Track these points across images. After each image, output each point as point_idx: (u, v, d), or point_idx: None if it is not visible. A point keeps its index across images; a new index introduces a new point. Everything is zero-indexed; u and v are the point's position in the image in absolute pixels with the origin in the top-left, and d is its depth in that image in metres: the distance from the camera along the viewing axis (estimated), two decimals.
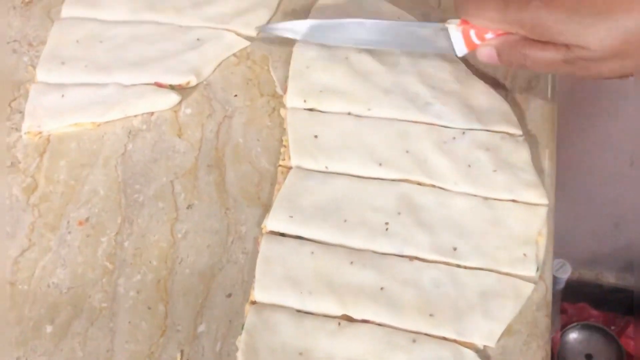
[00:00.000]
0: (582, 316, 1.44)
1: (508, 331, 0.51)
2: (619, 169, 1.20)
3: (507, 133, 0.58)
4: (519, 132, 0.58)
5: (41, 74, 0.63)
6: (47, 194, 0.58)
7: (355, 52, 0.63)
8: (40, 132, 0.61)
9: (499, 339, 0.51)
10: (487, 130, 0.58)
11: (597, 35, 0.47)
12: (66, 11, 0.66)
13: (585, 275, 1.48)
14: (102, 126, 0.61)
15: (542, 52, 0.51)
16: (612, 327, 1.36)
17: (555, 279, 1.44)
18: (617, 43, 0.47)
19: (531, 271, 0.53)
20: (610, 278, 1.47)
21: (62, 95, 0.61)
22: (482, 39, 0.54)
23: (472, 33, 0.54)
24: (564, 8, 0.48)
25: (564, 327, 1.43)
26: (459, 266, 0.53)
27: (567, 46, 0.49)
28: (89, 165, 0.59)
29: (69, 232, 0.56)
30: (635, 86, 0.98)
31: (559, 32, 0.49)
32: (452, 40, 0.55)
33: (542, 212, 0.55)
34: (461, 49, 0.56)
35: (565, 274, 1.37)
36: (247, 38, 0.65)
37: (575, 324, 1.39)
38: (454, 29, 0.55)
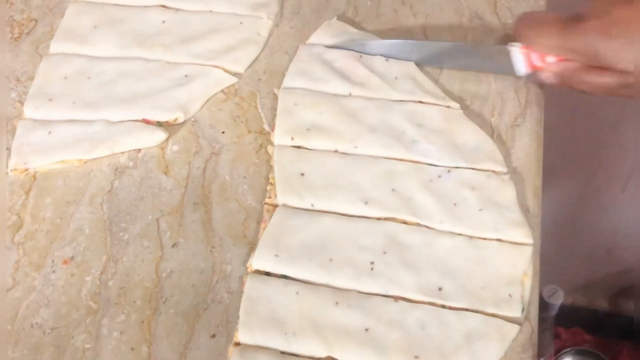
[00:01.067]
0: (576, 341, 1.44)
1: None
2: (611, 197, 1.21)
3: (493, 171, 0.58)
4: (504, 169, 0.59)
5: (29, 111, 0.63)
6: (32, 232, 0.58)
7: (342, 91, 0.63)
8: (26, 169, 0.61)
9: None
10: (473, 169, 0.59)
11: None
12: (55, 47, 0.67)
13: (579, 300, 1.49)
14: (89, 163, 0.61)
15: (600, 78, 0.55)
16: (606, 352, 1.37)
17: (548, 305, 1.44)
18: None
19: (517, 312, 0.53)
20: (603, 303, 1.48)
21: (49, 132, 0.62)
22: (543, 60, 0.58)
23: (534, 56, 0.59)
24: (619, 37, 0.52)
25: (558, 352, 1.43)
26: (444, 306, 0.53)
27: (623, 72, 0.52)
28: (75, 203, 0.59)
29: (54, 271, 0.56)
30: (622, 116, 0.98)
31: (615, 60, 0.52)
32: (514, 60, 0.60)
33: (527, 251, 0.55)
34: (522, 69, 0.60)
35: (558, 300, 1.38)
36: (235, 75, 0.66)
37: (569, 349, 1.39)
38: (517, 51, 0.59)
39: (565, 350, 1.41)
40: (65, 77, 0.65)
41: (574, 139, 1.10)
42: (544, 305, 1.44)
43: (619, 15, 0.52)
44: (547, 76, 0.59)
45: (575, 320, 1.43)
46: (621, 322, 1.41)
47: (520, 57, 0.59)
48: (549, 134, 0.64)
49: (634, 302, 1.39)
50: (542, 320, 1.42)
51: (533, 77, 0.61)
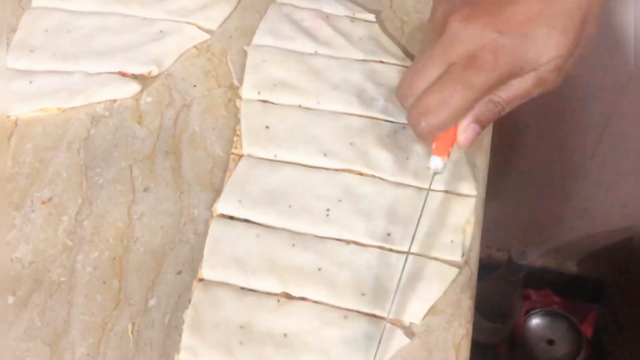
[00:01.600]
0: (545, 302, 1.49)
1: (433, 310, 0.56)
2: (581, 162, 1.24)
3: None
4: None
5: (11, 61, 0.67)
6: (13, 174, 0.62)
7: (309, 49, 0.67)
8: (8, 116, 0.64)
9: (424, 318, 0.55)
10: None
11: (551, 42, 0.50)
12: (37, 1, 0.70)
13: (549, 263, 1.52)
14: (67, 112, 0.65)
15: (513, 90, 0.51)
16: (574, 314, 1.41)
17: (517, 266, 1.49)
18: (566, 37, 0.49)
19: (457, 256, 0.57)
20: (572, 267, 1.52)
21: (30, 82, 0.65)
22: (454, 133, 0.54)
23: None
24: (511, 45, 0.49)
25: (527, 312, 1.48)
26: (391, 250, 0.57)
27: (534, 70, 0.50)
28: (54, 149, 0.63)
29: (33, 211, 0.60)
30: (588, 87, 1.02)
31: (521, 67, 0.50)
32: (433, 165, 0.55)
33: (471, 202, 0.60)
34: (438, 163, 0.55)
35: (525, 261, 1.42)
36: (208, 31, 0.69)
37: (538, 309, 1.44)
38: (438, 160, 0.55)
39: (534, 311, 1.46)
40: (46, 30, 0.68)
41: (544, 114, 1.13)
42: (513, 267, 1.49)
43: (502, 27, 0.49)
44: (468, 134, 0.53)
45: (545, 283, 1.47)
46: (589, 285, 1.45)
47: (437, 159, 0.55)
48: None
49: (602, 266, 1.44)
50: (511, 281, 1.47)
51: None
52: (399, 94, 0.55)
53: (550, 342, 1.39)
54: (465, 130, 0.53)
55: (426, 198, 0.57)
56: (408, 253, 0.56)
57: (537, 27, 0.49)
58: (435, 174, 0.56)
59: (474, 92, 0.50)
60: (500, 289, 1.47)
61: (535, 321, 1.47)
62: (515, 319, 1.47)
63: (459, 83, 0.50)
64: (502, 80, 0.51)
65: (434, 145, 0.55)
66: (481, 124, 0.53)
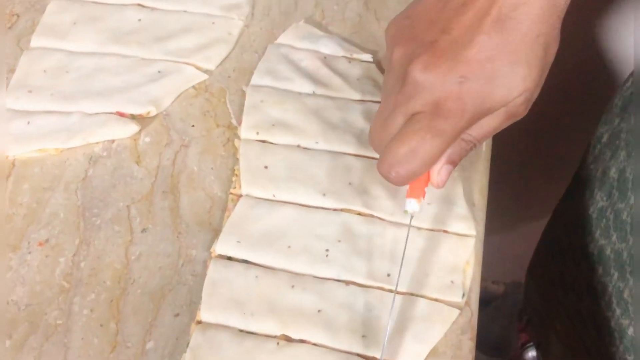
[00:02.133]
0: None
1: (434, 352, 0.55)
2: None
3: None
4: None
5: (9, 101, 0.67)
6: (10, 215, 0.62)
7: (307, 89, 0.67)
8: (6, 157, 0.64)
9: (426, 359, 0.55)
10: None
11: (516, 77, 0.48)
12: (35, 41, 0.70)
13: None
14: (65, 152, 0.65)
15: (484, 128, 0.51)
16: None
17: (513, 301, 1.48)
18: (530, 69, 0.48)
19: (457, 297, 0.57)
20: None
21: (28, 122, 0.65)
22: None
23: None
24: (477, 88, 0.48)
25: (524, 345, 1.47)
26: (391, 291, 0.57)
27: (503, 107, 0.49)
28: (51, 189, 0.63)
29: (29, 252, 0.60)
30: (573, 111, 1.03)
31: (490, 107, 0.49)
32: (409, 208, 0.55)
33: (471, 242, 0.60)
34: (414, 206, 0.55)
35: (522, 295, 1.42)
36: (206, 72, 0.70)
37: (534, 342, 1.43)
38: (414, 202, 0.55)
39: (530, 344, 1.45)
40: (45, 71, 0.68)
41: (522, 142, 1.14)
42: (509, 299, 1.49)
43: (466, 72, 0.48)
44: (442, 176, 0.53)
45: None
46: None
47: (413, 201, 0.55)
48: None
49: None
50: (508, 314, 1.47)
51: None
52: (371, 143, 0.55)
53: None
54: (439, 172, 0.53)
55: (407, 237, 0.56)
56: (395, 292, 0.56)
57: (500, 64, 0.48)
58: (412, 216, 0.56)
59: (444, 139, 0.49)
60: (497, 322, 1.46)
61: (532, 354, 1.46)
62: (511, 352, 1.46)
63: (428, 132, 0.49)
64: (472, 123, 0.50)
65: (407, 187, 0.55)
66: (454, 163, 0.53)
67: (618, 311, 0.64)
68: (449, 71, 0.48)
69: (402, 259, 0.56)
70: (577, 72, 0.96)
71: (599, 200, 0.67)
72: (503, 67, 0.48)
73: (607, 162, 0.66)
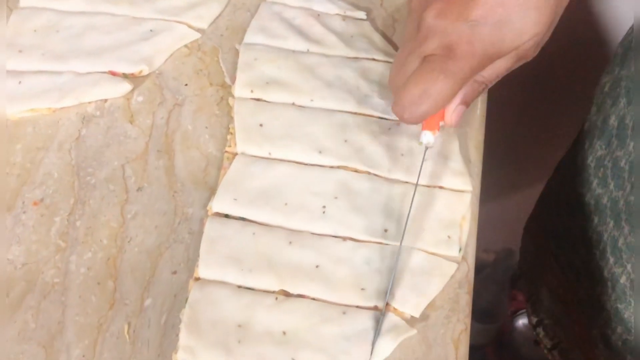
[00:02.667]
0: (532, 322, 1.50)
1: (431, 306, 0.56)
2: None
3: None
4: None
5: None
6: (3, 175, 0.61)
7: (300, 47, 0.67)
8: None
9: (423, 313, 0.55)
10: None
11: (528, 22, 0.50)
12: (24, 1, 0.69)
13: None
14: (57, 112, 0.64)
15: (495, 69, 0.53)
16: None
17: (504, 267, 1.49)
18: (541, 13, 0.50)
19: (454, 252, 0.57)
20: None
21: (19, 82, 0.64)
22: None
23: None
24: (488, 33, 0.49)
25: (514, 314, 1.48)
26: (389, 243, 0.57)
27: (514, 50, 0.51)
28: (44, 149, 0.62)
29: (24, 212, 0.60)
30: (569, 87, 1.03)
31: (500, 50, 0.51)
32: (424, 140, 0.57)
33: (467, 198, 0.60)
34: (429, 137, 0.57)
35: (512, 262, 1.43)
36: (198, 30, 0.69)
37: (524, 310, 1.44)
38: (429, 134, 0.57)
39: (521, 312, 1.47)
40: (35, 30, 0.67)
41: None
42: (500, 267, 1.50)
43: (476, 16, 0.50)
44: (455, 115, 0.55)
45: None
46: None
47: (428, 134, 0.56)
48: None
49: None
50: (498, 282, 1.48)
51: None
52: (389, 85, 0.57)
53: (537, 342, 1.40)
54: (453, 112, 0.55)
55: (420, 171, 0.58)
56: (400, 244, 0.56)
57: (511, 9, 0.49)
58: (427, 148, 0.57)
59: (456, 80, 0.51)
60: (488, 290, 1.48)
61: (522, 322, 1.48)
62: (502, 319, 1.48)
63: (441, 73, 0.51)
64: (483, 66, 0.52)
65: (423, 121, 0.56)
66: (466, 104, 0.55)
67: (612, 260, 0.65)
68: (460, 15, 0.50)
69: (412, 202, 0.57)
70: (575, 31, 0.96)
71: (597, 149, 0.67)
72: (514, 11, 0.49)
73: (608, 111, 0.66)
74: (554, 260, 0.80)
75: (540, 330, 0.90)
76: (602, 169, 0.66)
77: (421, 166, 0.58)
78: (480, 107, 0.65)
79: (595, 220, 0.68)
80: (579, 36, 0.96)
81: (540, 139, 1.19)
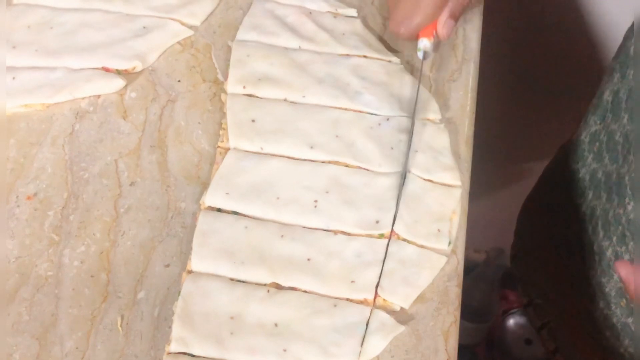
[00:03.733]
0: (522, 302, 1.50)
1: (421, 298, 0.56)
2: None
3: (428, 119, 0.64)
4: (438, 117, 0.64)
5: None
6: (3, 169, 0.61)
7: (292, 44, 0.68)
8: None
9: (413, 306, 0.56)
10: (409, 117, 0.64)
11: None
12: None
13: None
14: (51, 107, 0.65)
15: None
16: None
17: (494, 266, 1.50)
18: None
19: (444, 245, 0.58)
20: None
21: (13, 78, 0.65)
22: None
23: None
24: None
25: (505, 313, 1.49)
26: (381, 236, 0.58)
27: None
28: (38, 144, 0.63)
29: (18, 206, 0.60)
30: (559, 82, 1.04)
31: None
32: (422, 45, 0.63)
33: (457, 193, 0.60)
34: (426, 43, 0.63)
35: (503, 261, 1.44)
36: (191, 27, 0.69)
37: (515, 310, 1.45)
38: (426, 41, 0.63)
39: (511, 311, 1.47)
40: (29, 26, 0.68)
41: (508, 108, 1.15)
42: (491, 267, 1.51)
43: None
44: (446, 28, 0.62)
45: None
46: None
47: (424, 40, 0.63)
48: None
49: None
50: (489, 281, 1.49)
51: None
52: (389, 11, 0.63)
53: (528, 341, 1.40)
54: (443, 26, 0.62)
55: (420, 75, 0.65)
56: (391, 231, 0.58)
57: None
58: (424, 58, 0.63)
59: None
60: (479, 289, 1.48)
61: (513, 321, 1.48)
62: (493, 318, 1.48)
63: None
64: None
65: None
66: (455, 17, 0.62)
67: (601, 233, 0.66)
68: None
69: (399, 197, 0.58)
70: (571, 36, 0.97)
71: (592, 124, 0.69)
72: None
73: (603, 87, 0.68)
74: (548, 238, 0.81)
75: (530, 309, 0.91)
76: (597, 144, 0.68)
77: (419, 78, 0.64)
78: (470, 104, 0.66)
79: (590, 195, 0.69)
80: (574, 33, 0.97)
81: (531, 135, 1.20)
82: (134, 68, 0.66)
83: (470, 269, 1.41)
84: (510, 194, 1.34)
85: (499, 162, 1.30)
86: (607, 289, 0.67)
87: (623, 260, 0.58)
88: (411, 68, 0.67)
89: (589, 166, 0.69)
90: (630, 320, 0.65)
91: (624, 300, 0.65)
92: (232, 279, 0.57)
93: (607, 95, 0.66)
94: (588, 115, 0.71)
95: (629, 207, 0.61)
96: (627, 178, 0.62)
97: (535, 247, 0.88)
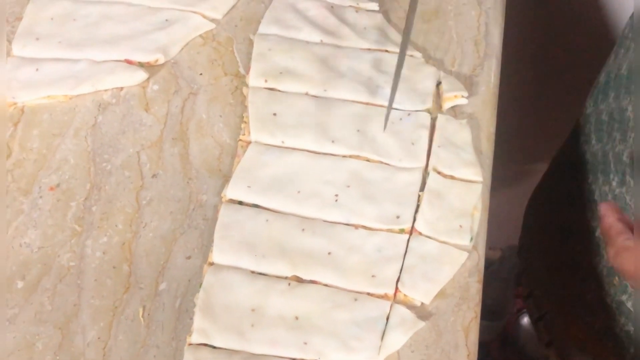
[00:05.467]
0: (524, 294, 1.50)
1: (442, 294, 0.56)
2: None
3: (456, 96, 0.64)
4: (465, 93, 0.64)
5: (17, 49, 0.66)
6: (20, 160, 0.62)
7: (314, 38, 0.67)
8: (14, 103, 0.64)
9: (433, 301, 0.56)
10: (431, 112, 0.63)
11: None
12: None
13: None
14: (74, 99, 0.65)
15: None
16: None
17: (510, 264, 1.49)
18: None
19: (465, 241, 0.58)
20: None
21: (37, 69, 0.65)
22: None
23: None
24: None
25: (519, 311, 1.48)
26: (402, 231, 0.58)
27: None
28: (61, 135, 0.63)
29: (41, 197, 0.60)
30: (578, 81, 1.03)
31: None
32: None
33: (478, 188, 0.60)
34: None
35: (518, 259, 1.43)
36: (213, 21, 0.69)
37: None
38: None
39: (525, 310, 1.47)
40: (52, 18, 0.68)
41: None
42: (506, 264, 1.50)
43: None
44: None
45: None
46: None
47: None
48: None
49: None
50: (504, 279, 1.48)
51: None
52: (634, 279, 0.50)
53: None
54: None
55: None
56: (412, 228, 0.57)
57: None
58: None
59: None
60: (493, 287, 1.48)
61: (527, 320, 1.48)
62: (507, 316, 1.48)
63: None
64: None
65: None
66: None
67: (594, 213, 0.65)
68: None
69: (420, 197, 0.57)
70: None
71: (587, 107, 0.69)
72: None
73: (608, 67, 0.67)
74: (551, 225, 0.81)
75: (530, 301, 0.91)
76: (587, 125, 0.67)
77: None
78: (491, 100, 0.66)
79: (590, 177, 0.68)
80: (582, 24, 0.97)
81: (546, 130, 1.19)
82: (157, 60, 0.67)
83: (486, 267, 1.41)
84: (526, 191, 1.34)
85: (514, 159, 1.29)
86: (599, 269, 0.66)
87: (609, 202, 0.54)
88: (432, 64, 0.67)
89: (592, 147, 0.68)
90: (624, 297, 0.64)
91: (617, 277, 0.64)
92: (253, 272, 0.57)
93: (601, 78, 0.66)
94: (595, 94, 0.70)
95: (614, 184, 0.61)
96: (610, 154, 0.61)
97: (538, 236, 0.88)
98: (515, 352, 1.48)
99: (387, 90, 0.64)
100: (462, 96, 0.64)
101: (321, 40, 0.68)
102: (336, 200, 0.59)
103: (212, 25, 0.69)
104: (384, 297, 0.56)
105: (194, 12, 0.69)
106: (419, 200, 0.60)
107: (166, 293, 0.57)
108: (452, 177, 0.61)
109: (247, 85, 0.66)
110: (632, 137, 0.59)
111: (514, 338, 1.50)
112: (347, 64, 0.66)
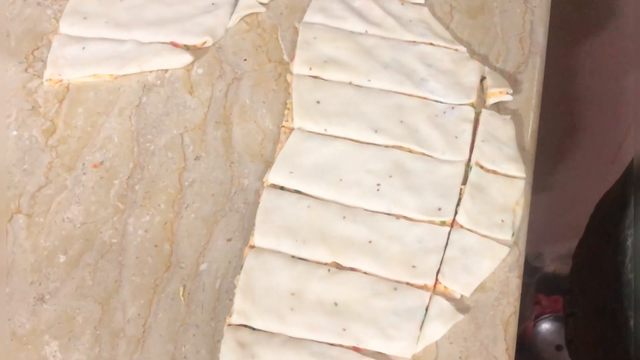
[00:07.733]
0: (555, 308, 1.49)
1: (482, 288, 0.56)
2: (600, 167, 1.25)
3: (501, 92, 0.63)
4: (510, 90, 0.64)
5: (64, 27, 0.67)
6: (64, 137, 0.62)
7: (359, 29, 0.68)
8: (60, 80, 0.65)
9: (473, 294, 0.56)
10: (475, 107, 0.63)
11: None
12: None
13: (561, 269, 1.53)
14: (119, 79, 0.65)
15: None
16: None
17: (531, 268, 1.49)
18: None
19: (507, 236, 0.58)
20: None
21: (83, 48, 0.66)
22: None
23: None
24: None
25: (537, 318, 1.47)
26: (443, 223, 0.58)
27: None
28: (105, 114, 0.64)
29: (84, 173, 0.61)
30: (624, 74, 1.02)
31: None
32: None
33: (520, 184, 0.60)
34: None
35: (542, 264, 1.43)
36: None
37: (548, 315, 1.44)
38: None
39: (544, 316, 1.46)
40: None
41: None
42: (528, 269, 1.49)
43: None
44: None
45: (555, 289, 1.47)
46: None
47: None
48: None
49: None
50: (525, 283, 1.47)
51: None
52: None
53: (559, 347, 1.39)
54: None
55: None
56: (453, 221, 0.57)
57: None
58: None
59: None
60: None
61: (545, 326, 1.47)
62: (525, 323, 1.47)
63: None
64: None
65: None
66: None
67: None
68: None
69: (461, 191, 0.57)
70: None
71: None
72: None
73: None
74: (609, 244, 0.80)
75: (567, 298, 0.90)
76: None
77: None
78: (535, 97, 0.66)
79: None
80: None
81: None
82: (204, 43, 0.67)
83: None
84: (550, 199, 1.33)
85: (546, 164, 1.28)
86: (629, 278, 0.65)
87: None
88: (477, 59, 0.67)
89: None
90: (632, 276, 0.63)
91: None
92: (293, 257, 0.57)
93: None
94: None
95: None
96: None
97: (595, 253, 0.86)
98: (532, 358, 1.47)
99: (431, 83, 0.64)
100: (507, 93, 0.64)
101: (366, 31, 0.68)
102: (378, 190, 0.59)
103: (262, 9, 0.69)
104: (423, 287, 0.56)
105: None
106: (460, 193, 0.59)
107: (206, 273, 0.57)
108: (494, 172, 0.61)
109: (290, 73, 0.66)
110: None
111: (531, 345, 1.49)
112: (391, 55, 0.66)
